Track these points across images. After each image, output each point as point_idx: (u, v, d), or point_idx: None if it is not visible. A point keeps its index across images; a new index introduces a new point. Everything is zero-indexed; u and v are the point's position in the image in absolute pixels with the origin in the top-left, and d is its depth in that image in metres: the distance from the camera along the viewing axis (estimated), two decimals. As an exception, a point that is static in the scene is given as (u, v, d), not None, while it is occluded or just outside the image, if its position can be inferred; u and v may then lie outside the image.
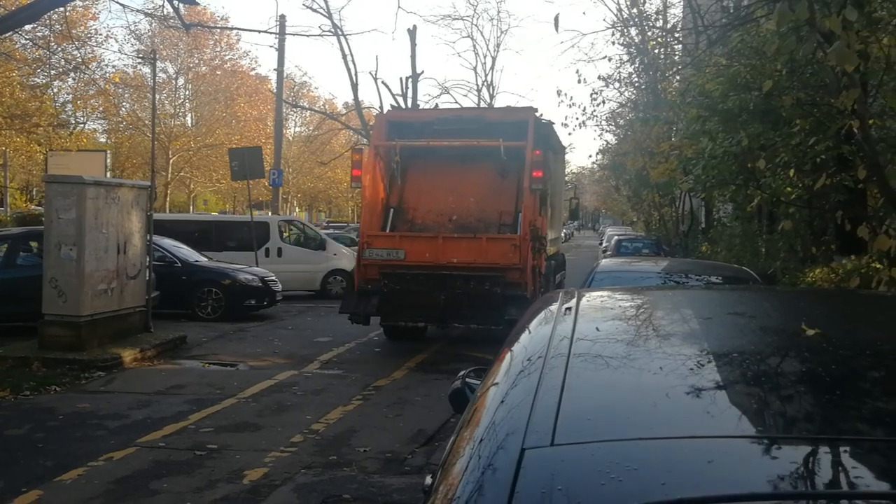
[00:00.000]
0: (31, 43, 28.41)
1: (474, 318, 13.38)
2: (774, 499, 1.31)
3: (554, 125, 15.74)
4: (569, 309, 2.45)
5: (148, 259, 14.66)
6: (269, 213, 33.06)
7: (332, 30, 30.45)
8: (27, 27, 22.81)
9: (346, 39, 34.00)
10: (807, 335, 2.02)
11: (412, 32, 33.76)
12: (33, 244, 15.35)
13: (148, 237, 14.68)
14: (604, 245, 41.86)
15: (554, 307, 2.52)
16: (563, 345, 2.01)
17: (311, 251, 23.17)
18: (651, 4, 41.12)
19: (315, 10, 31.69)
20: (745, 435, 1.52)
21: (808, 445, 1.50)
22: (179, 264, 17.96)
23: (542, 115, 14.82)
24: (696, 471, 1.39)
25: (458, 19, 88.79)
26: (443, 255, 13.20)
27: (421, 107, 31.97)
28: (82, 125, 48.74)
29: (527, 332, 2.39)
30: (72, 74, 34.62)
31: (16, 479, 7.34)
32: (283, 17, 28.76)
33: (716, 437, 1.51)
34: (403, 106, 30.86)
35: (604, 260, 14.84)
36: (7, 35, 21.93)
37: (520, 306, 11.68)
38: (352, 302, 13.98)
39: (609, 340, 2.16)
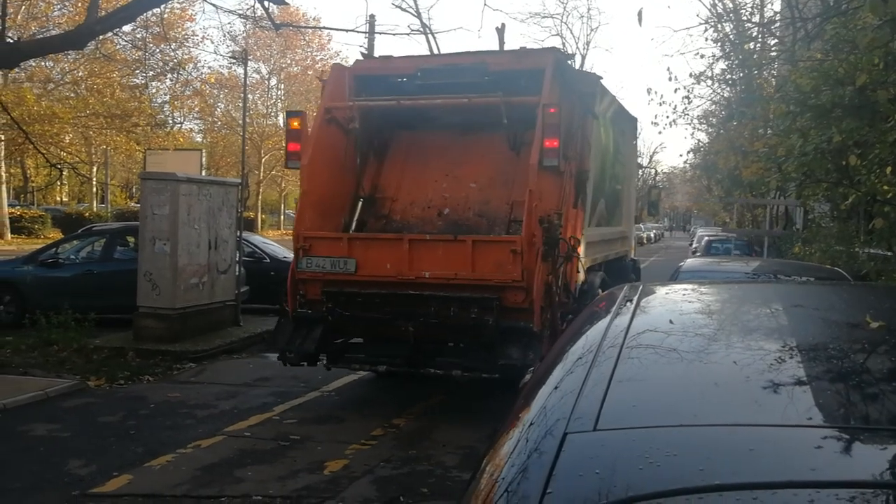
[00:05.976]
0: (130, 45, 29.45)
1: (457, 362, 9.57)
2: (813, 487, 1.29)
3: (602, 79, 10.97)
4: (629, 301, 2.45)
5: (238, 255, 15.01)
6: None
7: (421, 28, 30.63)
8: (126, 29, 23.61)
9: (435, 38, 34.15)
10: (870, 328, 1.98)
11: (500, 31, 33.52)
12: (130, 239, 15.85)
13: (238, 233, 15.02)
14: (693, 246, 41.13)
15: (616, 299, 2.52)
16: (619, 336, 2.02)
17: None
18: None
19: (404, 10, 32.05)
20: (788, 424, 1.50)
21: (850, 435, 1.47)
22: (268, 260, 18.27)
23: (566, 55, 10.91)
24: (737, 458, 1.38)
25: (547, 17, 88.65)
26: (410, 266, 9.32)
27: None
28: (179, 125, 50.35)
29: (585, 323, 2.40)
30: (169, 75, 35.80)
31: (108, 463, 7.64)
32: (372, 16, 29.15)
33: (758, 425, 1.49)
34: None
35: (689, 259, 13.65)
36: (108, 37, 22.73)
37: (524, 345, 8.77)
38: (283, 334, 10.12)
39: (664, 333, 2.14)
